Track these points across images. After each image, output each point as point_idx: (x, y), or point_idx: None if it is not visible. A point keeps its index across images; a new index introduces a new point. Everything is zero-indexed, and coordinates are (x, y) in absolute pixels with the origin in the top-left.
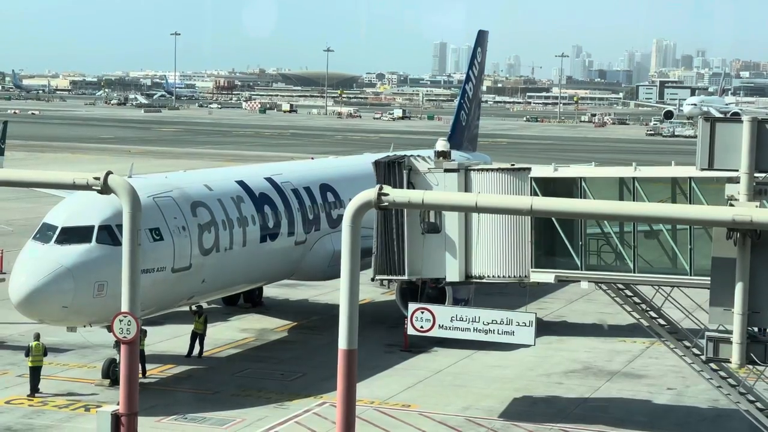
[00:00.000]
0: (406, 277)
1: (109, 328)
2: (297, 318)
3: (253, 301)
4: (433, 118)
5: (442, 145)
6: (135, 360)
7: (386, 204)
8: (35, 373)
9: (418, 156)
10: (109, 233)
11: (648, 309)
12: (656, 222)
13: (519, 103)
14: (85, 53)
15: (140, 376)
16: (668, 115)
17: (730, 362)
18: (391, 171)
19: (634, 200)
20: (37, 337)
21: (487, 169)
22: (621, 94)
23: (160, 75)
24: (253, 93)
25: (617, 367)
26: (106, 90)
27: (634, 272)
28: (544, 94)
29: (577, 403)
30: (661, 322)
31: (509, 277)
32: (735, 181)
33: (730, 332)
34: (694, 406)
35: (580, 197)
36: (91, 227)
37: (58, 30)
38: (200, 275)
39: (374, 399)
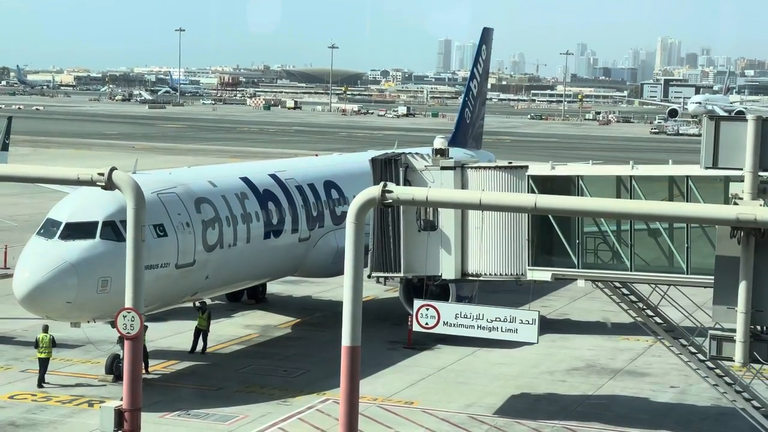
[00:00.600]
0: (401, 275)
1: (113, 324)
2: (300, 315)
3: (256, 298)
4: (438, 115)
5: (440, 142)
6: (138, 356)
7: (390, 201)
8: (43, 365)
9: (416, 154)
10: (113, 229)
11: (645, 307)
12: (662, 221)
13: (523, 100)
14: (90, 49)
15: (143, 372)
16: (672, 113)
17: (733, 361)
18: (387, 168)
19: (631, 199)
20: (46, 329)
21: (484, 167)
22: (625, 92)
23: (164, 71)
24: (257, 89)
25: (620, 365)
26: (111, 86)
27: (631, 271)
28: (548, 91)
29: (579, 401)
30: (658, 320)
31: (506, 275)
32: (735, 179)
33: (734, 331)
34: (697, 404)
35: (578, 196)
36: (95, 223)
37: (63, 25)
38: (204, 271)
39: (377, 396)
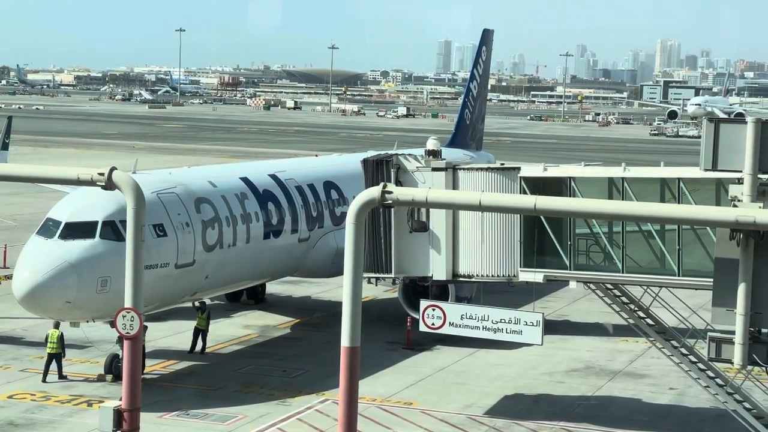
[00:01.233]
0: (392, 275)
1: (113, 324)
2: (300, 315)
3: (256, 298)
4: (438, 116)
5: (432, 144)
6: (138, 356)
7: (390, 202)
8: (50, 361)
9: (409, 155)
10: (112, 229)
11: (636, 309)
12: (663, 222)
13: (523, 101)
14: (90, 48)
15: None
16: (672, 115)
17: (732, 363)
18: (379, 169)
19: (623, 200)
20: (57, 325)
21: (475, 168)
22: (625, 94)
23: (164, 71)
24: (257, 90)
25: (619, 366)
26: (111, 85)
27: (623, 272)
28: (548, 93)
29: (578, 402)
30: (649, 321)
31: (497, 276)
32: (727, 182)
33: (733, 333)
34: (696, 406)
35: (570, 197)
36: (95, 223)
37: (63, 25)
38: (203, 271)
39: (376, 396)
